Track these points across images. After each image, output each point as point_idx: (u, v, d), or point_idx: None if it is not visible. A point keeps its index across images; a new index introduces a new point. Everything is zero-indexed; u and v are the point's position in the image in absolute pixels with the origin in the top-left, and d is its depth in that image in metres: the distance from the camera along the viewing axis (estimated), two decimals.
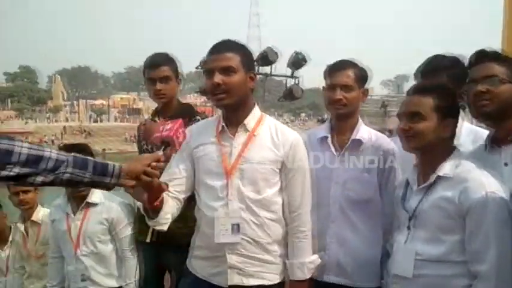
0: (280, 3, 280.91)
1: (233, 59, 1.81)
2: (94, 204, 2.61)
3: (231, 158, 1.86)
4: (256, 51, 10.04)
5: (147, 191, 1.61)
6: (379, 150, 2.13)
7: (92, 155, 2.59)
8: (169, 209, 1.84)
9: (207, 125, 1.99)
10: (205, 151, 1.90)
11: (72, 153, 1.38)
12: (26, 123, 48.32)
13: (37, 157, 1.30)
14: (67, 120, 56.85)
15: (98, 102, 73.01)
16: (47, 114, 57.92)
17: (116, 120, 60.04)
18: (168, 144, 1.51)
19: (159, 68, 2.44)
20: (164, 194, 1.75)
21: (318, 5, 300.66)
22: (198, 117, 2.38)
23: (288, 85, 9.90)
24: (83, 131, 51.45)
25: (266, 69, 9.59)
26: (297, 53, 9.24)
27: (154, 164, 1.45)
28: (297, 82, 9.82)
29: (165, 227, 1.84)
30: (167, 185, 1.75)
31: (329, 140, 2.19)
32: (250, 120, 1.90)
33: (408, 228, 1.79)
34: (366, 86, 2.22)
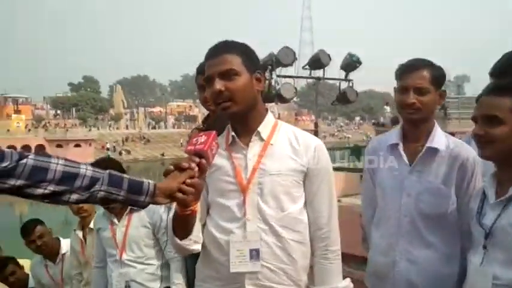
0: (333, 6, 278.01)
1: (234, 61, 1.57)
2: (137, 209, 2.61)
3: (247, 172, 1.62)
4: (309, 54, 9.92)
5: (183, 207, 1.47)
6: (458, 159, 1.88)
7: (121, 167, 2.59)
8: (200, 229, 1.64)
9: None
10: (215, 167, 1.63)
11: (108, 170, 1.35)
12: (89, 130, 50.82)
13: (72, 174, 1.27)
14: (127, 127, 59.28)
15: (156, 109, 75.65)
16: (109, 122, 60.64)
17: (173, 126, 61.87)
18: (201, 158, 1.40)
19: None
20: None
21: (369, 7, 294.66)
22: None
23: (341, 88, 9.68)
24: (142, 138, 53.37)
25: (319, 73, 9.43)
26: (350, 55, 8.97)
27: (188, 181, 1.37)
28: (350, 85, 9.57)
29: (198, 247, 1.63)
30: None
31: (400, 147, 1.97)
32: (265, 128, 1.66)
33: (484, 247, 1.57)
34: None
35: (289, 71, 8.62)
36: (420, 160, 1.93)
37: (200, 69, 2.46)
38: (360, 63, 9.20)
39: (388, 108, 26.81)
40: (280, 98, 8.19)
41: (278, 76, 8.34)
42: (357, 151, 9.32)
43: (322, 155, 1.67)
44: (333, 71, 9.62)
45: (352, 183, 5.42)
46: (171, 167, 1.39)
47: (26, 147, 45.24)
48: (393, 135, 2.05)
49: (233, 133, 1.66)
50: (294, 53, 8.12)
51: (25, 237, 3.37)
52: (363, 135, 67.35)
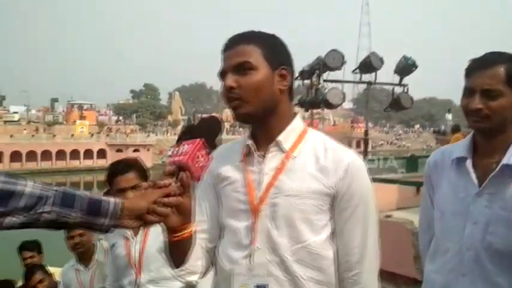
0: (393, 12, 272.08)
1: (250, 53, 1.29)
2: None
3: (260, 189, 1.32)
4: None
5: (170, 231, 1.26)
6: None
7: (143, 170, 2.35)
8: (200, 256, 1.38)
9: (233, 146, 1.47)
10: (227, 181, 1.38)
11: (63, 187, 1.11)
12: (148, 136, 52.59)
13: (7, 193, 1.04)
14: None
15: None
16: (165, 128, 62.51)
17: (227, 132, 62.80)
18: (183, 171, 1.16)
19: None
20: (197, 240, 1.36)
21: (428, 12, 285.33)
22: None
23: (395, 93, 9.08)
24: None
25: (370, 78, 8.92)
26: (405, 58, 8.37)
27: (166, 200, 1.13)
28: (405, 90, 8.94)
29: (194, 277, 1.39)
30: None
31: (468, 162, 1.61)
32: (288, 136, 1.34)
33: None
34: None
35: (338, 75, 8.17)
36: (493, 180, 1.53)
37: None
38: (416, 66, 8.60)
39: (449, 116, 25.44)
40: (326, 104, 7.76)
41: (325, 81, 7.92)
42: (413, 161, 8.74)
43: (357, 175, 1.31)
44: (389, 75, 9.07)
45: (407, 195, 5.03)
46: (146, 184, 1.16)
47: (89, 152, 47.73)
48: (461, 147, 1.65)
49: (250, 141, 1.36)
50: (343, 56, 7.66)
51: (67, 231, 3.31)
52: (422, 144, 64.83)
